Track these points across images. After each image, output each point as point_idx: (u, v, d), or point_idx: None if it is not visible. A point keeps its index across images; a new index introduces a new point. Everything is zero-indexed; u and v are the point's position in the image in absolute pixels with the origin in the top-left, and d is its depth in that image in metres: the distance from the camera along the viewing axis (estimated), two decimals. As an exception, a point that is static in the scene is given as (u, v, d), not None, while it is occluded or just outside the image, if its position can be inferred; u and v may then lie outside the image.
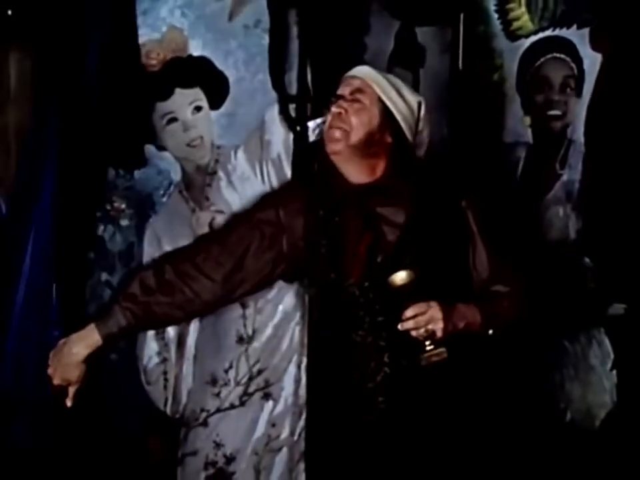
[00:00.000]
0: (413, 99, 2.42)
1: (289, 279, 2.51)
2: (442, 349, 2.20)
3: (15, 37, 2.86)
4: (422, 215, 2.34)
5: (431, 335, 2.20)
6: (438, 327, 2.21)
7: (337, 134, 2.34)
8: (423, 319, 2.20)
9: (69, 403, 2.23)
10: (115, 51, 2.80)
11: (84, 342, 2.23)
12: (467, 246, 2.37)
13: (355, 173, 2.37)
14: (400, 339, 2.25)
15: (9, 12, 2.82)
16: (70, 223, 2.82)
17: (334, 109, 2.36)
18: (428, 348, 2.20)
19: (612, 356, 3.32)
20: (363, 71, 2.41)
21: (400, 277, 2.19)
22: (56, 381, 2.24)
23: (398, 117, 2.37)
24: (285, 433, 2.88)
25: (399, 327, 2.21)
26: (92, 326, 2.25)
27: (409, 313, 2.20)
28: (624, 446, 3.18)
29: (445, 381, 2.30)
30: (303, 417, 2.79)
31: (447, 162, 3.03)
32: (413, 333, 2.21)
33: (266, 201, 2.47)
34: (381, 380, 2.30)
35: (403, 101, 2.39)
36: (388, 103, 2.37)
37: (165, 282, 2.28)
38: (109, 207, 3.10)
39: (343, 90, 2.38)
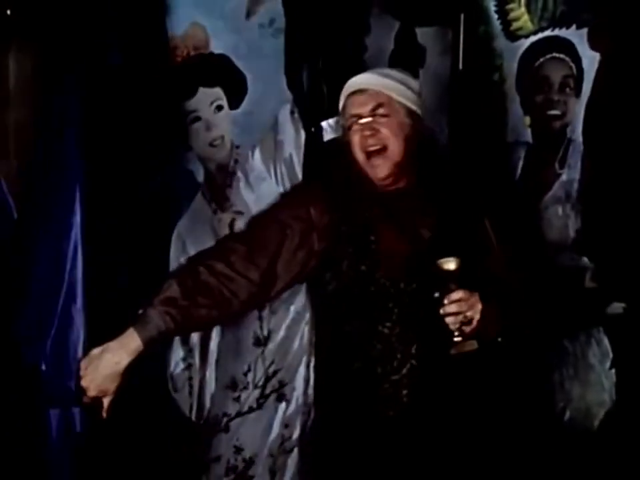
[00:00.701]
0: (415, 84, 2.42)
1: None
2: (472, 340, 2.22)
3: (16, 36, 2.81)
4: (450, 216, 2.34)
5: (466, 324, 2.22)
6: (475, 317, 2.22)
7: (379, 160, 2.33)
8: (466, 305, 2.21)
9: (104, 415, 2.13)
10: (144, 47, 2.76)
11: (125, 349, 2.14)
12: (487, 252, 2.39)
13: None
14: (429, 329, 2.26)
15: (8, 12, 2.77)
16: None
17: (362, 133, 2.33)
18: (456, 339, 2.22)
19: (611, 355, 3.34)
20: (368, 81, 2.37)
21: (449, 261, 2.21)
22: (92, 393, 2.13)
23: (419, 112, 2.37)
24: (296, 433, 2.90)
25: (441, 310, 2.21)
26: (131, 331, 2.16)
27: (455, 295, 2.21)
28: (623, 445, 3.20)
29: (465, 376, 2.32)
30: (312, 415, 2.82)
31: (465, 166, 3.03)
32: (451, 319, 2.22)
33: (292, 199, 2.46)
34: (406, 372, 2.30)
35: (412, 92, 2.38)
36: (407, 104, 2.35)
37: (201, 283, 2.22)
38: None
39: (360, 109, 2.34)
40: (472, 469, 2.41)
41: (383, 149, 2.32)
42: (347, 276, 2.34)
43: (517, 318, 2.40)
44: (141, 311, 2.20)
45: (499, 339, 2.36)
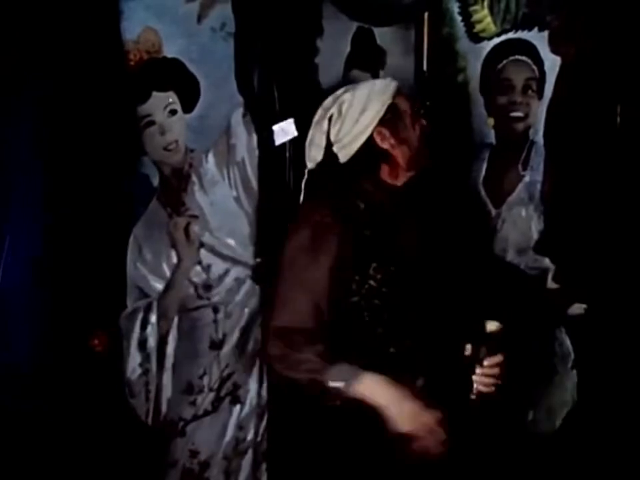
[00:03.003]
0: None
1: None
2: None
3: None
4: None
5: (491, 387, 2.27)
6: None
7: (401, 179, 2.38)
8: (500, 371, 2.27)
9: None
10: (98, 52, 2.77)
11: None
12: None
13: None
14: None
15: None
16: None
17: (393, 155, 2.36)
18: (472, 397, 2.28)
19: (572, 355, 3.35)
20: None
21: (492, 324, 2.28)
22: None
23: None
24: (250, 435, 2.92)
25: (478, 370, 2.26)
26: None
27: (497, 359, 2.26)
28: (585, 444, 3.22)
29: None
30: (265, 417, 2.85)
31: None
32: (485, 381, 2.25)
33: (316, 233, 2.31)
34: None
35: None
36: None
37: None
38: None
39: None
40: (432, 467, 2.42)
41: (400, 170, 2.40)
42: (374, 279, 2.29)
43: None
44: None
45: None
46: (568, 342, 3.36)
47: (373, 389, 2.17)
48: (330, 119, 2.36)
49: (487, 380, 2.24)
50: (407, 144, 2.36)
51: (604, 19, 3.09)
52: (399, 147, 2.35)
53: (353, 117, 2.34)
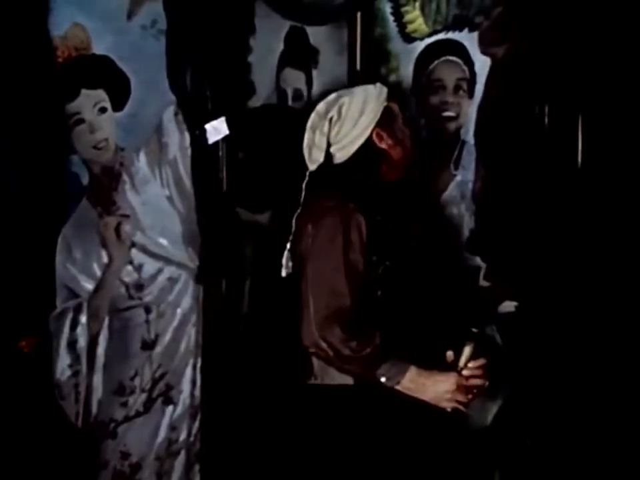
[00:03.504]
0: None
1: None
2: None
3: None
4: None
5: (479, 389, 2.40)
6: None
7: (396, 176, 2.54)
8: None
9: None
10: (25, 48, 2.72)
11: None
12: None
13: None
14: None
15: None
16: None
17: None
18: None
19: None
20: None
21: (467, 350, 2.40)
22: None
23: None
24: (183, 436, 2.90)
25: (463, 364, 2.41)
26: None
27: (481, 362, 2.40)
28: (515, 439, 3.26)
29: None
30: (198, 417, 2.84)
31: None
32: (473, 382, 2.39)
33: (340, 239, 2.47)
34: None
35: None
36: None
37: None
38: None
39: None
40: (364, 467, 2.44)
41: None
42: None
43: None
44: None
45: None
46: (499, 339, 3.40)
47: (415, 384, 2.39)
48: (330, 121, 2.49)
49: (470, 384, 2.32)
50: (402, 144, 2.54)
51: (532, 21, 3.14)
52: (395, 147, 2.53)
53: (353, 119, 2.50)
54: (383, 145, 2.52)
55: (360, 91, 2.56)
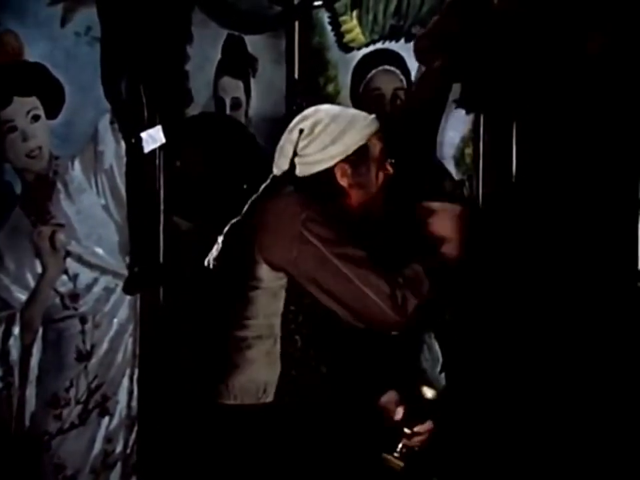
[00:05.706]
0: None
1: None
2: (401, 462, 2.27)
3: None
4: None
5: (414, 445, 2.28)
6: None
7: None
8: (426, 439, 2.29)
9: None
10: None
11: None
12: None
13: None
14: None
15: None
16: None
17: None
18: (395, 455, 2.27)
19: (441, 359, 3.43)
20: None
21: (429, 391, 2.30)
22: None
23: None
24: (119, 447, 2.88)
25: (407, 430, 2.27)
26: None
27: (427, 426, 2.27)
28: (452, 447, 3.29)
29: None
30: (135, 429, 2.82)
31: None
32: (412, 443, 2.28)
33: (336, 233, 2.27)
34: None
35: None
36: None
37: None
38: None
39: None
40: (302, 469, 2.43)
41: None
42: None
43: None
44: None
45: None
46: (437, 346, 3.44)
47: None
48: (301, 132, 2.33)
49: (414, 441, 2.29)
50: (364, 189, 2.34)
51: (468, 31, 3.18)
52: (355, 188, 2.33)
53: (323, 143, 2.32)
54: (343, 182, 2.32)
55: (346, 116, 2.36)
